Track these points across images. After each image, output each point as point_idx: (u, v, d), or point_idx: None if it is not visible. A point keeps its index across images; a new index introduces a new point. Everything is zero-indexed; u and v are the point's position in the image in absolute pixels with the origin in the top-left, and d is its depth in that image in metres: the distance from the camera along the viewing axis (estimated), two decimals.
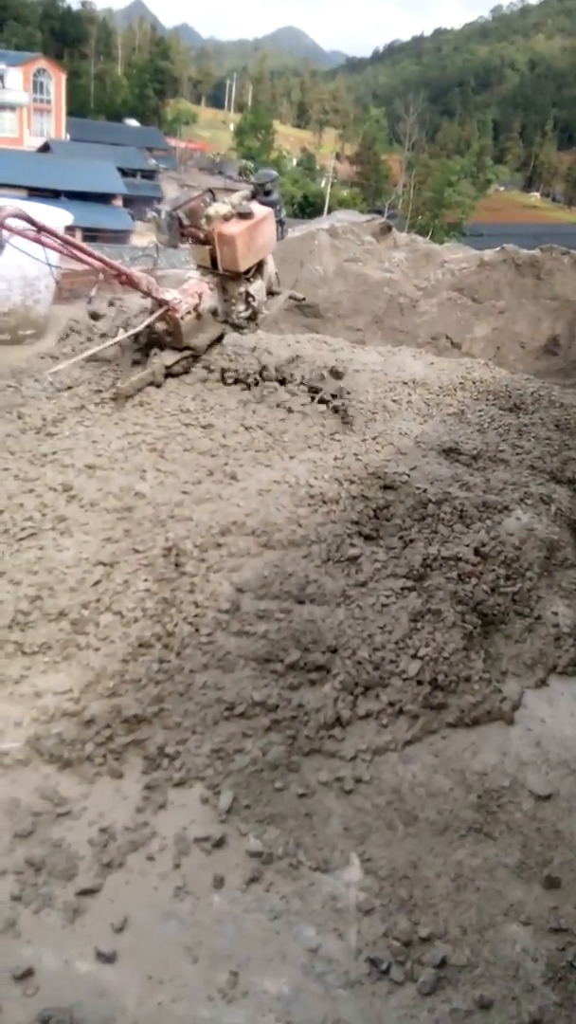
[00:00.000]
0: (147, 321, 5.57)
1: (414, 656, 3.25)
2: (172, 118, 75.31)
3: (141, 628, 3.26)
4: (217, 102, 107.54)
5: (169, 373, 5.52)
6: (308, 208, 51.31)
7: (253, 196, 5.90)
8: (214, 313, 5.84)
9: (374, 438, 4.99)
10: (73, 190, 37.17)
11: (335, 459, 4.64)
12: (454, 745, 3.02)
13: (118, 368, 5.61)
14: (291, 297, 6.60)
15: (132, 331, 5.61)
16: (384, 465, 4.54)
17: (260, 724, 2.92)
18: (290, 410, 5.33)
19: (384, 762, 2.90)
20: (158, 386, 5.40)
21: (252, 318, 5.99)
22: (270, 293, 6.19)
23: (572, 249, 10.61)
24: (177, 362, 5.57)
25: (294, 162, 73.04)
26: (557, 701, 3.35)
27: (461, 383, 6.53)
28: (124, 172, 45.58)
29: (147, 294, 5.45)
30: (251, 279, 5.89)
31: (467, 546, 3.89)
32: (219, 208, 5.57)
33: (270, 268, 6.10)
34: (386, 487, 4.34)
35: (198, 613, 3.34)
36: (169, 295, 5.53)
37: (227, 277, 5.80)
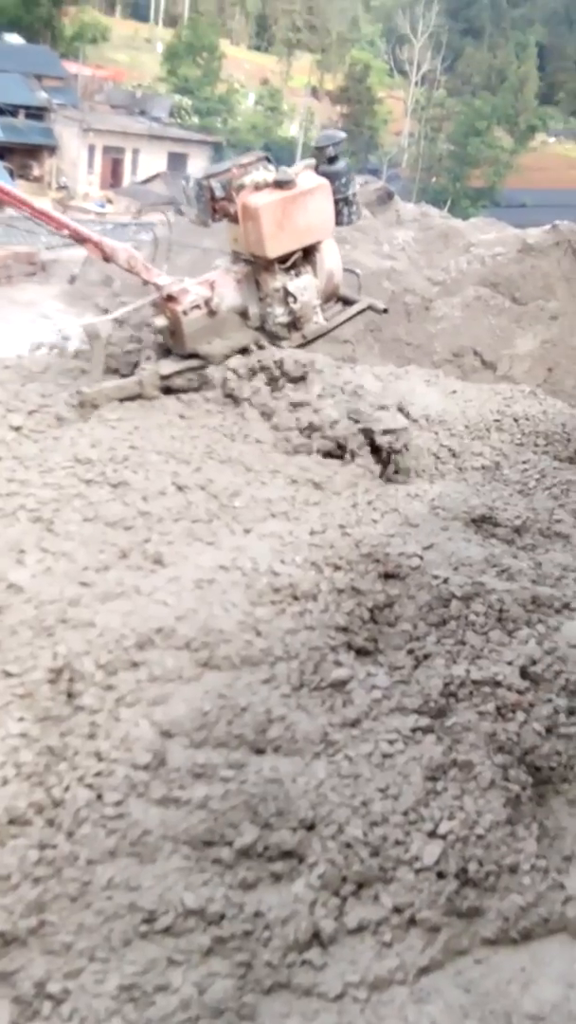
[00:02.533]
0: (131, 306, 6.09)
1: (432, 834, 3.21)
2: (73, 34, 77.75)
3: (12, 795, 3.20)
4: (138, 13, 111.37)
5: (168, 387, 5.83)
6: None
7: (317, 167, 6.35)
8: (243, 315, 6.19)
9: (369, 502, 5.05)
10: None
11: (311, 533, 4.68)
12: (495, 973, 2.98)
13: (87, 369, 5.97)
14: (370, 307, 6.91)
15: (113, 314, 6.12)
16: (385, 542, 4.58)
17: (196, 944, 2.86)
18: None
19: (388, 1002, 2.84)
20: (148, 400, 5.76)
21: (294, 326, 6.32)
22: (338, 299, 6.58)
23: None
24: (178, 373, 5.89)
25: (251, 99, 75.74)
26: None
27: (497, 421, 6.68)
28: (1, 110, 46.87)
29: (130, 270, 5.91)
30: (294, 272, 6.24)
31: (510, 664, 3.90)
32: (257, 175, 6.03)
33: (328, 262, 6.43)
34: (388, 576, 4.37)
35: (101, 770, 3.29)
36: (165, 279, 5.92)
37: (260, 268, 6.18)
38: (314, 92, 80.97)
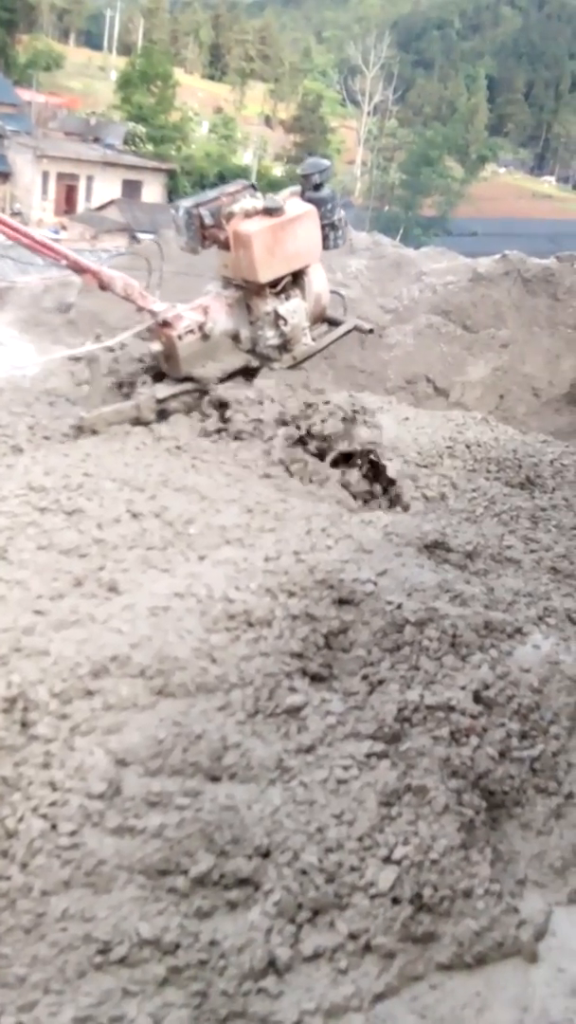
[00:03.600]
0: (126, 334, 6.34)
1: (387, 860, 3.22)
2: (26, 61, 77.91)
3: None
4: (92, 41, 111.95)
5: (163, 410, 6.02)
6: None
7: (303, 193, 6.61)
8: (235, 339, 6.43)
9: (323, 528, 5.07)
10: None
11: (266, 559, 4.69)
12: (450, 998, 2.98)
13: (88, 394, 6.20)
14: (356, 328, 7.16)
15: (107, 342, 6.37)
16: (339, 568, 4.60)
17: (151, 975, 2.84)
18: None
19: None
20: (146, 424, 5.92)
21: (285, 348, 6.54)
22: (327, 321, 6.83)
23: None
24: (174, 396, 6.11)
25: (205, 127, 76.22)
26: None
27: (449, 448, 6.75)
28: None
29: (126, 298, 6.16)
30: (284, 296, 6.49)
31: (463, 689, 3.93)
32: (246, 203, 6.27)
33: (316, 286, 6.67)
34: (342, 602, 4.39)
35: (55, 800, 3.27)
36: (159, 305, 6.15)
37: (252, 292, 6.42)
38: (267, 121, 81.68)
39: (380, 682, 4.01)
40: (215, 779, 3.44)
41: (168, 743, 3.51)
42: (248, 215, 6.29)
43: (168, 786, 3.36)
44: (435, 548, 5.14)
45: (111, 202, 52.62)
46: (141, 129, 64.41)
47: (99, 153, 59.44)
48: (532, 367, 10.86)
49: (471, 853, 3.35)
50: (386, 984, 2.96)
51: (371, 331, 7.82)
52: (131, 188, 55.93)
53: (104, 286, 6.18)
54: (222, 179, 56.23)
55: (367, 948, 3.03)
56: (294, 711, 3.77)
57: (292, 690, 3.87)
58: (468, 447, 6.88)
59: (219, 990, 2.85)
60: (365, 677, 4.05)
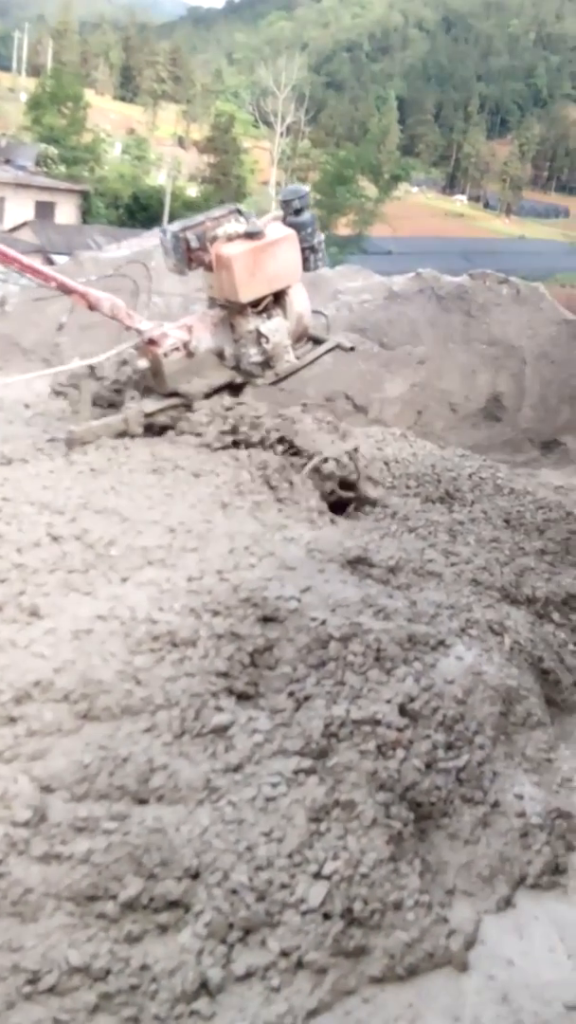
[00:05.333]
0: (113, 351, 6.66)
1: (317, 875, 3.23)
2: None
3: None
4: (1, 63, 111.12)
5: (150, 424, 6.33)
6: (140, 213, 53.15)
7: (285, 218, 6.94)
8: (220, 356, 6.77)
9: (246, 547, 5.09)
10: None
11: (189, 579, 4.68)
12: (382, 1011, 3.00)
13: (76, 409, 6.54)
14: (338, 347, 7.48)
15: (90, 360, 6.64)
16: (262, 586, 4.62)
17: (82, 1003, 2.80)
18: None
19: None
20: (132, 437, 6.20)
21: (268, 365, 6.86)
22: (311, 339, 7.19)
23: (511, 274, 11.48)
24: (161, 411, 6.41)
25: (118, 148, 76.07)
26: (528, 929, 3.41)
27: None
28: None
29: (113, 318, 6.50)
30: (266, 315, 6.81)
31: (388, 703, 3.97)
32: (228, 227, 6.59)
33: (298, 306, 6.99)
34: (267, 619, 4.40)
35: None
36: (146, 324, 6.52)
37: (235, 312, 6.75)
38: (180, 142, 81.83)
39: (306, 698, 4.03)
40: (142, 802, 3.41)
41: (94, 767, 3.47)
42: (230, 238, 6.58)
43: (95, 811, 3.33)
44: (357, 564, 5.18)
45: (24, 224, 52.08)
46: (53, 150, 63.99)
47: (11, 175, 58.81)
48: (449, 383, 11.02)
49: (400, 865, 3.38)
50: (319, 1000, 2.97)
51: (352, 349, 8.08)
52: (44, 210, 55.42)
53: (92, 306, 6.53)
54: (136, 200, 56.25)
55: (299, 965, 3.03)
56: (221, 730, 3.77)
57: (218, 709, 3.86)
58: (387, 464, 6.96)
59: (151, 1015, 2.83)
60: (291, 694, 4.06)
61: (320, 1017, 2.95)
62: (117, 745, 3.58)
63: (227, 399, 6.69)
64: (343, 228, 62.33)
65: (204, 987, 2.92)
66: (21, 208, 55.95)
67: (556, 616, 5.36)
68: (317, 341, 7.31)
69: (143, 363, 6.66)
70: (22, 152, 64.81)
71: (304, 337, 7.20)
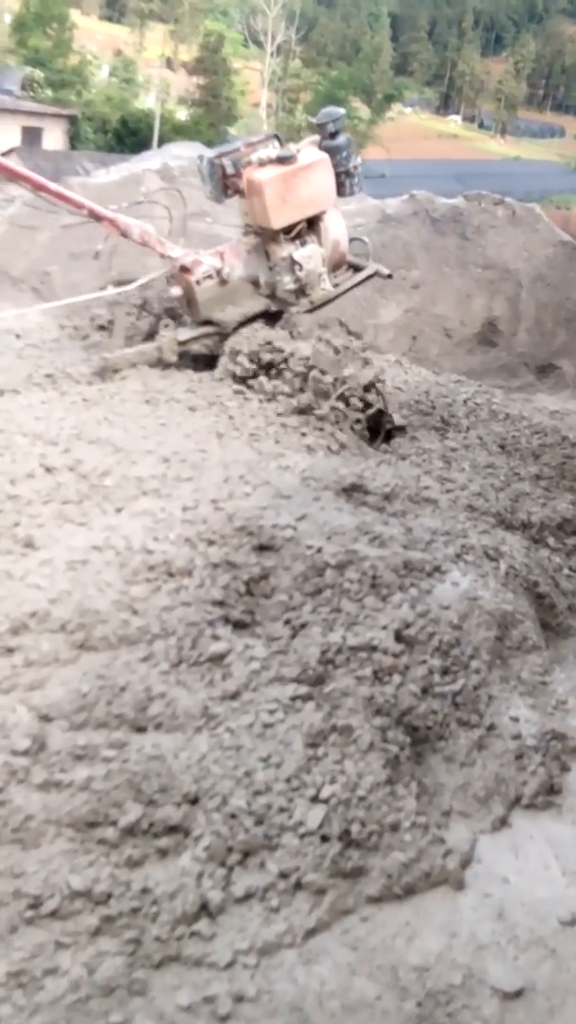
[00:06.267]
0: (145, 278, 6.73)
1: (315, 799, 3.26)
2: None
3: None
4: None
5: (184, 352, 6.35)
6: (129, 138, 52.06)
7: (321, 142, 6.90)
8: (255, 284, 6.75)
9: (240, 476, 5.07)
10: None
11: (183, 509, 4.68)
12: (380, 929, 3.05)
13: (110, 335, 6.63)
14: (376, 273, 7.41)
15: (122, 288, 6.76)
16: (258, 515, 4.61)
17: (84, 926, 2.84)
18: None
19: (277, 966, 2.88)
20: (166, 366, 6.25)
21: (302, 292, 6.81)
22: (351, 267, 7.17)
23: (507, 196, 11.30)
24: (195, 339, 6.43)
25: (105, 71, 74.30)
26: (524, 848, 3.46)
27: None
28: None
29: (143, 244, 6.56)
30: (300, 242, 6.77)
31: (384, 629, 3.99)
32: (261, 152, 6.58)
33: (333, 232, 6.96)
34: (262, 548, 4.40)
35: None
36: (178, 252, 6.54)
37: (268, 238, 6.73)
38: (169, 63, 79.98)
39: (303, 626, 4.04)
40: (141, 730, 3.44)
41: (92, 696, 3.50)
42: (262, 163, 6.58)
43: (94, 739, 3.35)
44: (353, 491, 5.17)
45: (11, 150, 50.99)
46: (39, 74, 62.43)
47: None
48: (443, 308, 10.90)
49: (397, 788, 3.41)
50: (318, 920, 3.01)
51: (390, 276, 8.01)
52: (31, 135, 54.20)
53: (124, 233, 6.62)
54: (124, 124, 55.07)
55: (298, 886, 3.07)
56: (218, 659, 3.79)
57: (215, 638, 3.88)
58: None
59: (152, 936, 2.87)
60: (288, 622, 4.08)
61: (319, 936, 3.00)
62: (115, 674, 3.60)
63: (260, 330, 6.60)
64: None
65: (204, 909, 2.96)
66: (7, 134, 54.73)
67: (551, 541, 5.36)
68: (357, 268, 7.28)
69: (176, 291, 6.67)
70: (8, 76, 63.24)
71: (342, 264, 7.18)
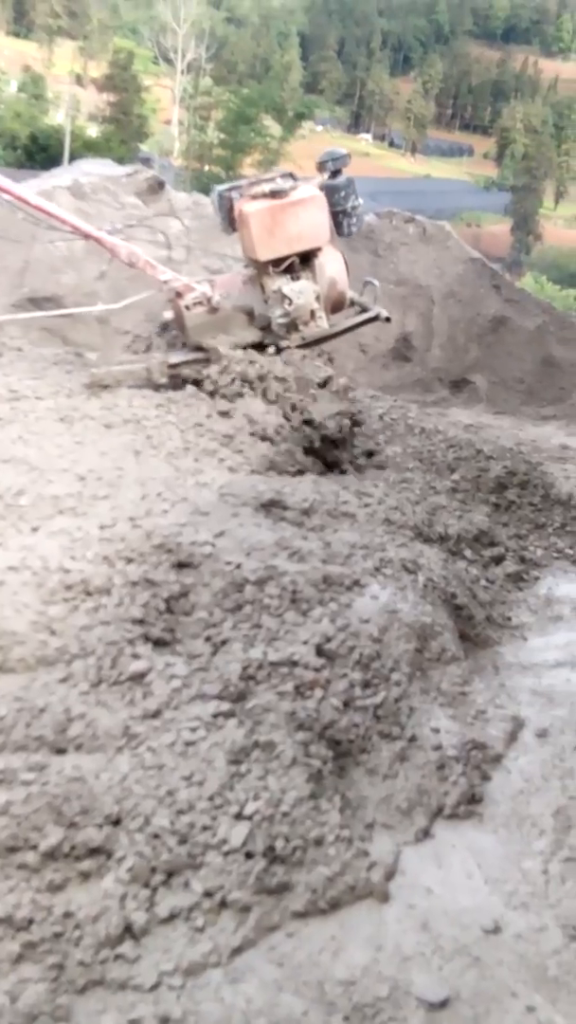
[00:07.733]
0: (133, 298, 6.73)
1: (238, 816, 3.26)
2: None
3: None
4: None
5: (174, 375, 6.28)
6: (39, 155, 51.63)
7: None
8: (250, 315, 6.73)
9: (158, 493, 5.05)
10: None
11: (101, 527, 4.64)
12: (306, 945, 3.04)
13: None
14: (377, 318, 7.36)
15: (103, 307, 6.95)
16: (176, 532, 4.60)
17: (5, 953, 2.79)
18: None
19: (203, 986, 2.86)
20: (155, 388, 6.16)
21: (294, 326, 6.79)
22: (357, 306, 7.19)
23: (418, 213, 11.48)
24: (186, 363, 6.35)
25: (13, 86, 73.73)
26: (447, 858, 3.49)
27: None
28: None
29: (131, 266, 6.49)
30: (292, 276, 6.76)
31: (305, 643, 4.00)
32: (258, 187, 6.64)
33: (329, 270, 6.93)
34: (181, 565, 4.39)
35: None
36: (168, 275, 6.52)
37: (262, 271, 6.74)
38: (79, 80, 79.63)
39: (223, 642, 4.04)
40: (60, 751, 3.40)
41: (10, 719, 3.44)
42: (255, 197, 6.65)
43: (12, 762, 3.30)
44: (271, 507, 5.18)
45: None
46: None
47: None
48: None
49: (320, 802, 3.42)
50: (243, 937, 3.00)
51: (389, 320, 8.01)
52: None
53: (111, 253, 6.57)
54: (34, 140, 54.64)
55: (223, 904, 3.06)
56: (138, 677, 3.76)
57: (135, 656, 3.85)
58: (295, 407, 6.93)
59: (76, 960, 2.83)
60: (208, 638, 4.07)
61: (245, 954, 2.99)
62: (33, 696, 3.56)
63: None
64: (248, 168, 61.42)
65: (128, 931, 2.93)
66: None
67: (468, 553, 5.45)
68: (364, 309, 7.30)
69: (168, 314, 6.75)
70: None
71: (343, 304, 7.18)
